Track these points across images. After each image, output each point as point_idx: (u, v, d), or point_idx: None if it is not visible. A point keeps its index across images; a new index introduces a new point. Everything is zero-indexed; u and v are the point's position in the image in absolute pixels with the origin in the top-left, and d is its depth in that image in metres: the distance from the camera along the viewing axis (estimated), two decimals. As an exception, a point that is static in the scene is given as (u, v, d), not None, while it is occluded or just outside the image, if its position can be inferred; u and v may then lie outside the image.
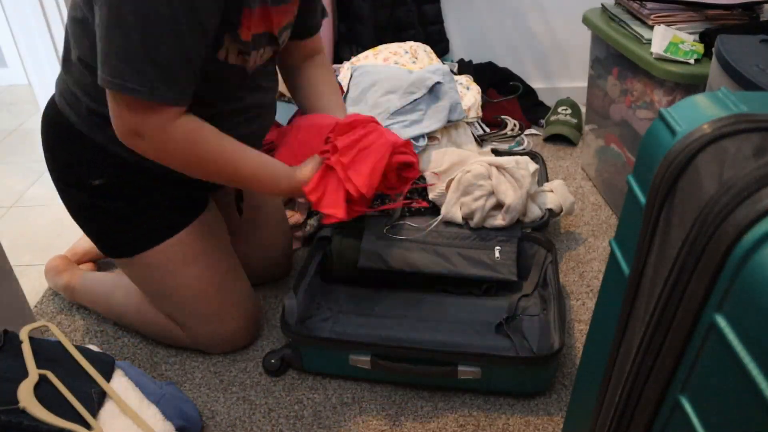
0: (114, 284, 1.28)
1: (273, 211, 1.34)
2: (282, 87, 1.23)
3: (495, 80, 2.14)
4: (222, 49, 0.93)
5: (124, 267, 1.15)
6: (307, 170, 1.03)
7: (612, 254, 0.63)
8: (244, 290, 1.20)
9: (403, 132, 1.43)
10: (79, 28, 0.94)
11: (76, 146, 1.04)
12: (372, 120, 1.06)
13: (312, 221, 1.51)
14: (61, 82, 1.05)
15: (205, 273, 1.12)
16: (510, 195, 1.30)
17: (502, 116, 1.93)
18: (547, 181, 1.56)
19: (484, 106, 1.87)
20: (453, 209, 1.34)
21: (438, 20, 2.12)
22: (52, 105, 1.06)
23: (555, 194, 1.41)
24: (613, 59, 1.53)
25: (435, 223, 1.36)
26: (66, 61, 1.02)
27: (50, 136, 1.08)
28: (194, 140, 0.92)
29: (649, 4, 1.41)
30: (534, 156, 1.70)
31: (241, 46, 0.95)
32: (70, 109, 1.02)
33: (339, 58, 2.08)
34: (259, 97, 1.09)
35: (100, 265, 1.46)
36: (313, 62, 1.19)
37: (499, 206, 1.33)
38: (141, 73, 0.83)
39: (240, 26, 0.92)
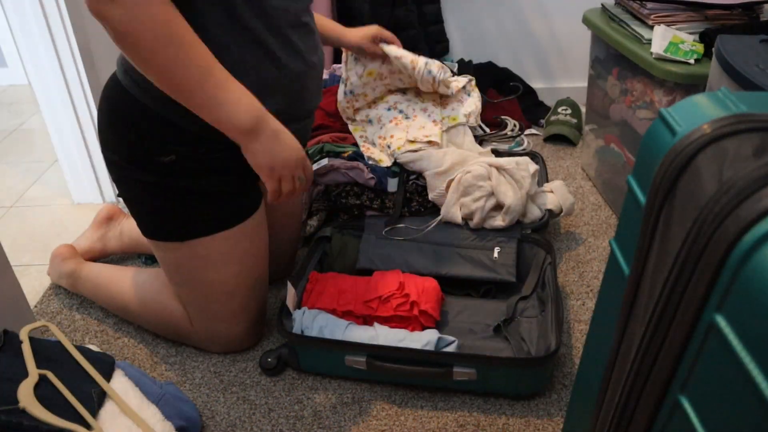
0: (119, 274, 1.28)
1: (291, 202, 1.34)
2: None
3: (495, 80, 2.14)
4: None
5: (166, 252, 1.11)
6: (284, 130, 0.95)
7: (612, 254, 0.63)
8: (264, 296, 1.22)
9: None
10: None
11: (145, 123, 0.99)
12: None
13: (312, 221, 1.51)
14: (123, 58, 1.00)
15: (242, 273, 1.13)
16: (510, 196, 1.30)
17: (502, 116, 1.93)
18: (547, 181, 1.56)
19: (485, 106, 1.87)
20: (453, 210, 1.34)
21: (438, 20, 2.12)
22: (115, 84, 1.02)
23: (555, 195, 1.41)
24: (613, 59, 1.53)
25: (434, 224, 1.36)
26: None
27: (114, 114, 1.02)
28: (168, 18, 0.82)
29: (649, 4, 1.41)
30: (534, 156, 1.70)
31: None
32: (137, 86, 0.97)
33: (339, 57, 2.08)
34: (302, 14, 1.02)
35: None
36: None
37: (498, 207, 1.33)
38: None
39: None
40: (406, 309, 1.17)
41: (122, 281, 1.27)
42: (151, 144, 1.01)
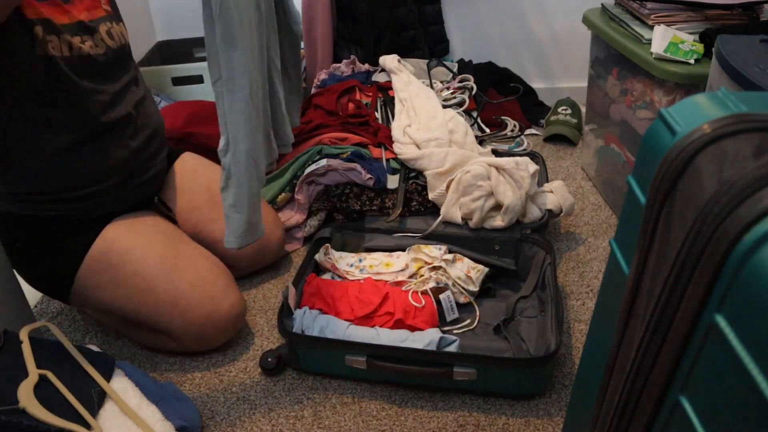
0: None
1: None
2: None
3: (495, 80, 2.14)
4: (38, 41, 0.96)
5: (84, 304, 1.18)
6: None
7: (612, 254, 0.63)
8: (205, 264, 1.17)
9: None
10: None
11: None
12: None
13: (312, 221, 1.51)
14: None
15: (150, 255, 1.12)
16: (509, 196, 1.30)
17: (502, 117, 1.92)
18: (547, 181, 1.56)
19: (485, 106, 1.87)
20: (452, 210, 1.34)
21: (438, 20, 2.12)
22: None
23: (555, 195, 1.41)
24: (613, 59, 1.53)
25: (434, 225, 1.36)
26: None
27: None
28: None
29: (649, 4, 1.41)
30: (534, 156, 1.70)
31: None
32: None
33: (338, 57, 2.08)
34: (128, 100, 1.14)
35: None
36: None
37: (498, 207, 1.33)
38: None
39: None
40: (390, 326, 1.15)
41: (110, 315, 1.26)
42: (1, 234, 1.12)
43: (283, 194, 1.48)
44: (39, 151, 1.04)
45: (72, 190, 1.09)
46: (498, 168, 1.33)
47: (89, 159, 1.09)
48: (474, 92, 1.77)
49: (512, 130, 1.85)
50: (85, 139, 1.07)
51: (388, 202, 1.43)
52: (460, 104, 1.73)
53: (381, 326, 1.15)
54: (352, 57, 1.92)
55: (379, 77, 1.83)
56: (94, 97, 1.06)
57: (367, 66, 1.91)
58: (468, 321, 1.22)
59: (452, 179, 1.35)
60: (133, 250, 1.12)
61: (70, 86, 1.02)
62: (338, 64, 1.93)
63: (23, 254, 1.13)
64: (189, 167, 1.35)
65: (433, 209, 1.44)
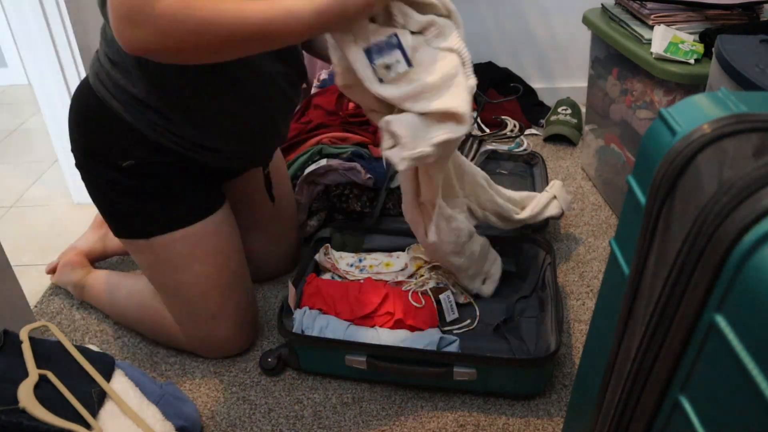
0: (118, 282, 1.29)
1: (287, 204, 1.37)
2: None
3: (495, 80, 2.14)
4: None
5: (137, 252, 1.14)
6: None
7: (612, 254, 0.63)
8: (246, 296, 1.20)
9: None
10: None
11: (108, 126, 1.04)
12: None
13: (312, 222, 1.51)
14: (96, 62, 1.04)
15: (212, 275, 1.12)
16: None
17: (502, 117, 1.92)
18: (548, 182, 1.56)
19: (485, 106, 1.86)
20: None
21: (438, 20, 2.12)
22: (85, 85, 1.06)
23: (558, 200, 1.40)
24: (613, 59, 1.53)
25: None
26: (102, 38, 1.03)
27: (80, 114, 1.07)
28: (186, 4, 0.78)
29: (649, 4, 1.41)
30: (534, 156, 1.70)
31: None
32: (106, 91, 1.02)
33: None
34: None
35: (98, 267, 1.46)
36: None
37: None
38: None
39: None
40: (390, 326, 1.15)
41: (121, 290, 1.27)
42: (113, 147, 1.05)
43: (283, 194, 1.48)
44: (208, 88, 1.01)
45: (232, 122, 1.07)
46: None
47: (249, 101, 1.06)
48: (474, 91, 1.77)
49: (512, 130, 1.85)
50: (252, 80, 1.04)
51: (388, 203, 1.43)
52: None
53: (381, 326, 1.15)
54: None
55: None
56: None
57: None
58: (468, 321, 1.22)
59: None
60: (209, 259, 1.12)
61: None
62: (338, 64, 1.93)
63: (130, 176, 1.06)
64: (278, 165, 1.35)
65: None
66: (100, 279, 1.32)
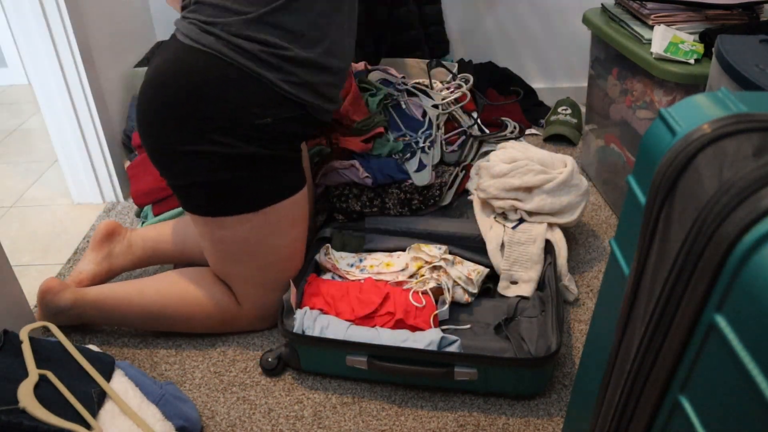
0: (139, 285, 1.22)
1: (310, 189, 1.40)
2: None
3: (495, 80, 2.14)
4: None
5: (234, 228, 1.11)
6: None
7: (612, 254, 0.63)
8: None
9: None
10: None
11: (239, 86, 1.02)
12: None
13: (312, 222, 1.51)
14: (204, 21, 1.02)
15: (300, 236, 1.20)
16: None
17: (502, 118, 1.92)
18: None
19: (484, 107, 1.87)
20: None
21: (438, 21, 2.12)
22: (188, 51, 1.02)
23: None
24: (613, 59, 1.53)
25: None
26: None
27: (195, 83, 1.01)
28: None
29: (649, 4, 1.41)
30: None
31: None
32: (233, 51, 1.00)
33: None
34: None
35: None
36: None
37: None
38: None
39: None
40: (390, 326, 1.16)
41: (145, 292, 1.20)
42: (248, 106, 1.02)
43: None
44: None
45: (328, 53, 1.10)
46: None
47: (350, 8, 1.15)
48: (470, 84, 1.77)
49: (512, 131, 1.85)
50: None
51: (388, 203, 1.43)
52: (457, 100, 1.73)
53: (382, 326, 1.15)
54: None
55: (374, 75, 1.82)
56: None
57: (363, 64, 1.91)
58: (468, 322, 1.22)
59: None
60: (302, 224, 1.19)
61: None
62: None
63: (259, 141, 1.05)
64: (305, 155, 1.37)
65: (434, 206, 1.44)
66: (107, 293, 1.22)
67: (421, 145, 1.47)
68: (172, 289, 1.21)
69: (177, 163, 1.06)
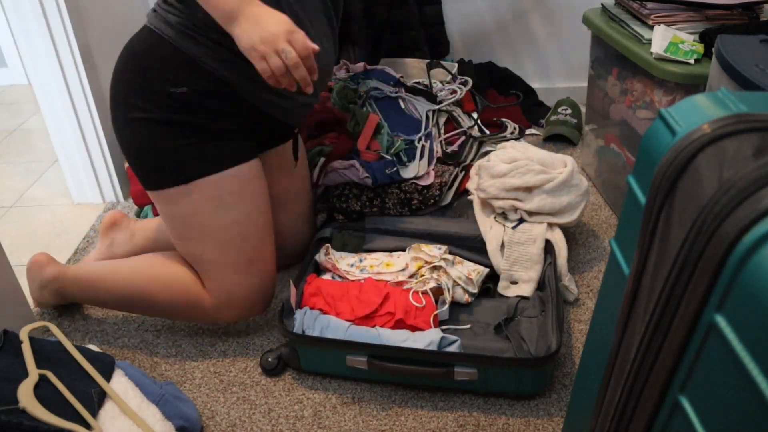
0: (112, 266, 1.23)
1: (305, 188, 1.40)
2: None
3: (495, 80, 2.14)
4: None
5: (176, 202, 1.12)
6: (269, 12, 0.96)
7: (612, 254, 0.63)
8: (273, 247, 1.21)
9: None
10: None
11: (163, 54, 1.07)
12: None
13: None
14: (160, 5, 1.09)
15: (253, 215, 1.15)
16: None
17: (503, 119, 1.92)
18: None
19: (484, 109, 1.86)
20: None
21: (439, 21, 2.12)
22: (141, 31, 1.11)
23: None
24: (613, 59, 1.53)
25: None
26: None
27: (132, 54, 1.10)
28: None
29: (649, 4, 1.41)
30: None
31: None
32: (164, 23, 1.07)
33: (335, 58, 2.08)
34: None
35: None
36: None
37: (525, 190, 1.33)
38: None
39: None
40: (390, 326, 1.16)
41: (118, 270, 1.22)
42: (166, 74, 1.07)
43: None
44: None
45: None
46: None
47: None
48: (469, 86, 1.77)
49: (512, 132, 1.85)
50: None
51: (388, 203, 1.43)
52: (457, 101, 1.74)
53: (382, 326, 1.15)
54: (342, 62, 1.91)
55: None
56: None
57: (362, 65, 1.91)
58: (468, 325, 1.22)
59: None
60: (253, 200, 1.15)
61: None
62: (336, 65, 1.93)
63: (179, 109, 1.08)
64: (301, 151, 1.38)
65: (434, 206, 1.44)
66: (86, 268, 1.25)
67: (416, 144, 1.48)
68: (142, 269, 1.20)
69: (120, 134, 1.13)
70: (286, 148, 1.33)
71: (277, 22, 0.93)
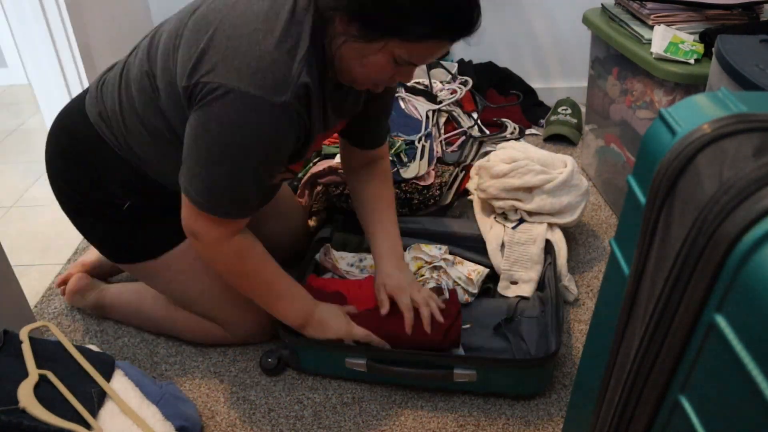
0: (140, 294, 1.26)
1: (285, 195, 1.40)
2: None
3: (495, 80, 2.14)
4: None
5: (145, 272, 1.16)
6: (330, 316, 1.09)
7: (612, 254, 0.63)
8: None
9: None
10: (147, 93, 0.98)
11: (108, 165, 1.06)
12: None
13: (312, 221, 1.51)
14: (100, 101, 1.05)
15: (218, 281, 1.13)
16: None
17: (503, 119, 1.93)
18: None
19: (484, 109, 1.87)
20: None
21: (438, 20, 2.12)
22: (82, 118, 1.06)
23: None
24: (613, 59, 1.53)
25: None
26: (120, 91, 1.03)
27: (74, 149, 1.08)
28: (242, 256, 1.00)
29: (649, 4, 1.41)
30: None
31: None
32: (111, 135, 1.05)
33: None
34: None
35: (109, 281, 1.40)
36: (372, 171, 1.21)
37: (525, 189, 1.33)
38: (220, 203, 0.93)
39: (305, 155, 1.01)
40: None
41: (145, 301, 1.25)
42: (112, 187, 1.08)
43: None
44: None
45: None
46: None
47: None
48: (469, 86, 1.77)
49: (512, 132, 1.85)
50: None
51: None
52: (457, 101, 1.74)
53: None
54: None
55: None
56: None
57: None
58: (468, 325, 1.22)
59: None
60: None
61: None
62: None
63: (129, 211, 1.10)
64: None
65: (434, 206, 1.44)
66: (120, 297, 1.29)
67: (416, 144, 1.48)
68: (163, 303, 1.23)
69: (67, 207, 1.16)
70: None
71: (339, 328, 1.08)
